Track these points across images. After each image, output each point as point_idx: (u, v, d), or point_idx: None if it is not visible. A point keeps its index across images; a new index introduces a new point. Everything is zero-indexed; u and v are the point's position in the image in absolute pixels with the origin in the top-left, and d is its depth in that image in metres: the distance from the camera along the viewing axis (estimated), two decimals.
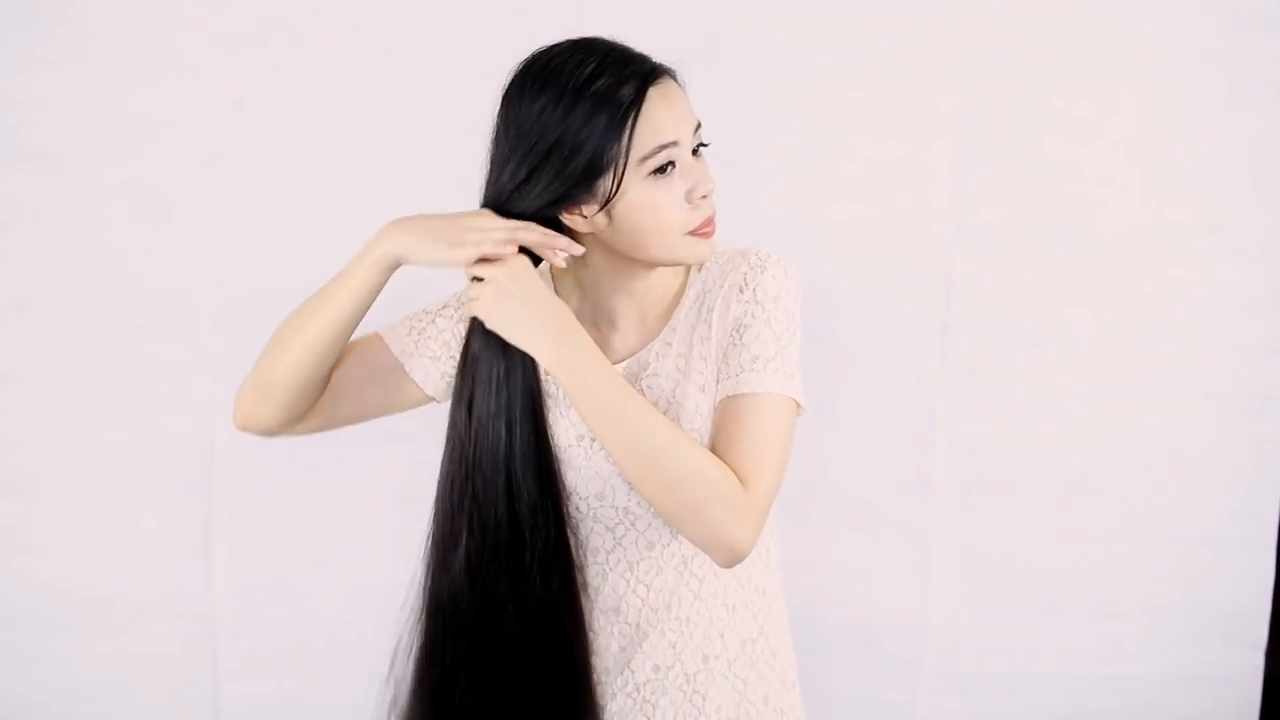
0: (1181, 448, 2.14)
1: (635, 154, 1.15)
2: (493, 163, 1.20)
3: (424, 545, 1.28)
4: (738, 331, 1.21)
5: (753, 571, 1.31)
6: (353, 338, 1.28)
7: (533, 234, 1.17)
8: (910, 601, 2.20)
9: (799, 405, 1.21)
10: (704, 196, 1.18)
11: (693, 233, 1.19)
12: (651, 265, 1.23)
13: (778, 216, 2.09)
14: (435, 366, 1.30)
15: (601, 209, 1.17)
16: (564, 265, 1.20)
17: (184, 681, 2.22)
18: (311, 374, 1.24)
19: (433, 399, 1.33)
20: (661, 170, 1.16)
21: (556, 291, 1.30)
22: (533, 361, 1.21)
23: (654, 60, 1.19)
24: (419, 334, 1.31)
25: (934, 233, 2.11)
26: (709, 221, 1.20)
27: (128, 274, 2.12)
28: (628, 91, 1.14)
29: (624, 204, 1.16)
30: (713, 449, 1.19)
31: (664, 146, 1.16)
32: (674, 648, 1.28)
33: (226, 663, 2.21)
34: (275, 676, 2.22)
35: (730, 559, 1.18)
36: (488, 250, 1.16)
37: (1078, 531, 2.17)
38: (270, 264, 2.09)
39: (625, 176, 1.15)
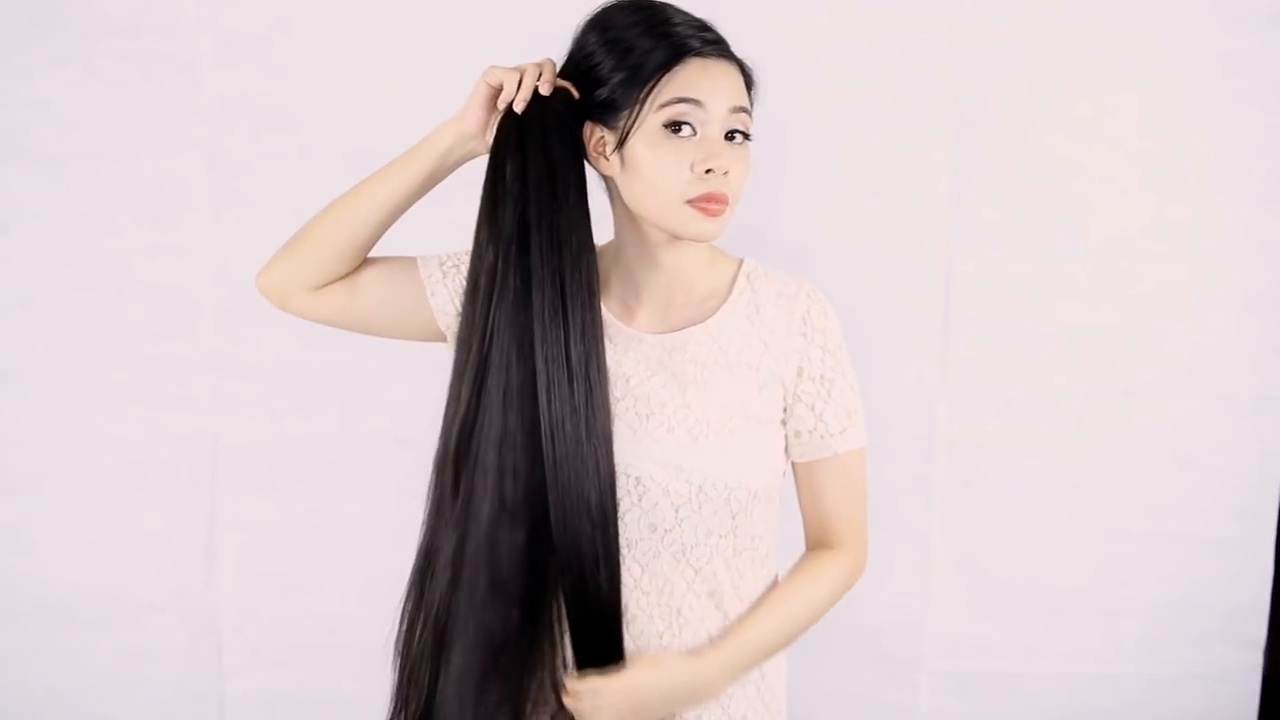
0: (1181, 448, 2.14)
1: (656, 98, 1.16)
2: (568, 54, 1.24)
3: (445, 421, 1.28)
4: (824, 383, 1.27)
5: (757, 586, 1.30)
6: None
7: (546, 73, 1.20)
8: (910, 601, 2.20)
9: None
10: (709, 171, 1.16)
11: (691, 203, 1.17)
12: (662, 231, 1.22)
13: (778, 216, 2.09)
14: (454, 303, 1.30)
15: (617, 147, 1.19)
16: (546, 92, 1.20)
17: (189, 677, 2.23)
18: (344, 241, 1.29)
19: (442, 337, 1.33)
20: (675, 128, 1.16)
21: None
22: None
23: (733, 50, 1.22)
24: (451, 267, 1.31)
25: (934, 233, 2.11)
26: (713, 198, 1.17)
27: (130, 273, 2.13)
28: (690, 44, 1.18)
29: (633, 147, 1.17)
30: (819, 502, 1.32)
31: (683, 100, 1.16)
32: (660, 638, 1.25)
33: (231, 658, 2.22)
34: (279, 671, 2.23)
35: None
36: (494, 81, 1.21)
37: (1078, 531, 2.17)
38: None
39: (640, 115, 1.16)
